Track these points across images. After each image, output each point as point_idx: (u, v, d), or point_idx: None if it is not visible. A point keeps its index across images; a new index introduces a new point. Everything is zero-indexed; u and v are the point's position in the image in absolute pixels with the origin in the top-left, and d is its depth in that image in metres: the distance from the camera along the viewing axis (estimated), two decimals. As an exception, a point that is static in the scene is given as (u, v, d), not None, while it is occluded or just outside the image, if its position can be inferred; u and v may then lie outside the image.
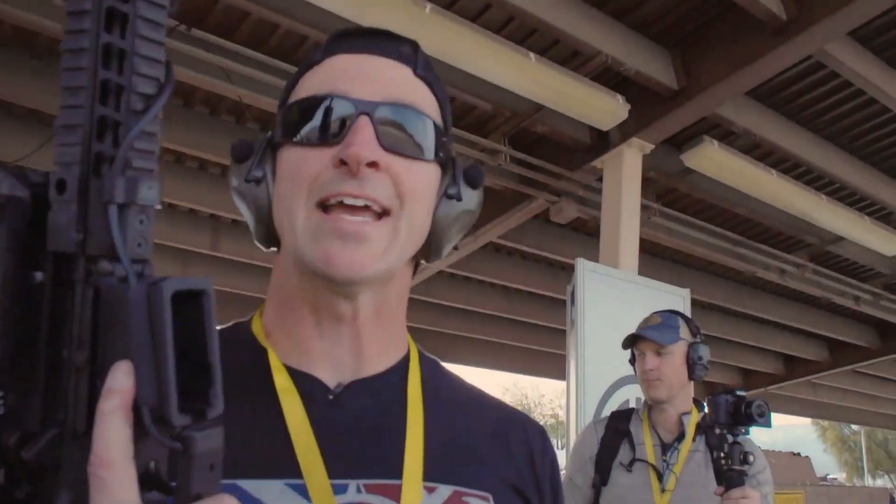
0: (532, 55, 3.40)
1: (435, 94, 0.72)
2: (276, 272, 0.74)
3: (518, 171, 4.37)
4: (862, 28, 3.54)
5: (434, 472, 0.67)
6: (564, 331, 7.34)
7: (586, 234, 5.70)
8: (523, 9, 3.26)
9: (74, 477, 0.38)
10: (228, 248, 5.65)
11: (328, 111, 0.65)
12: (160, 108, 0.41)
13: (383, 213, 0.64)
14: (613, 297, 3.86)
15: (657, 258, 6.14)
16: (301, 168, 0.65)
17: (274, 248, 0.73)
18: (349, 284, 0.65)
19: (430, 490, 0.67)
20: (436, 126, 0.70)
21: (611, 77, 3.82)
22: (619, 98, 3.79)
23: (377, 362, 0.72)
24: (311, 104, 0.66)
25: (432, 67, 0.74)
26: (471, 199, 0.73)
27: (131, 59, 0.40)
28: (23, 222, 0.40)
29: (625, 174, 4.08)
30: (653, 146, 4.10)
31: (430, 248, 0.72)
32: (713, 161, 4.32)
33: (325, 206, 0.64)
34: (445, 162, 0.71)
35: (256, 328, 0.73)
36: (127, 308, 0.38)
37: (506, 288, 6.93)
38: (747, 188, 4.64)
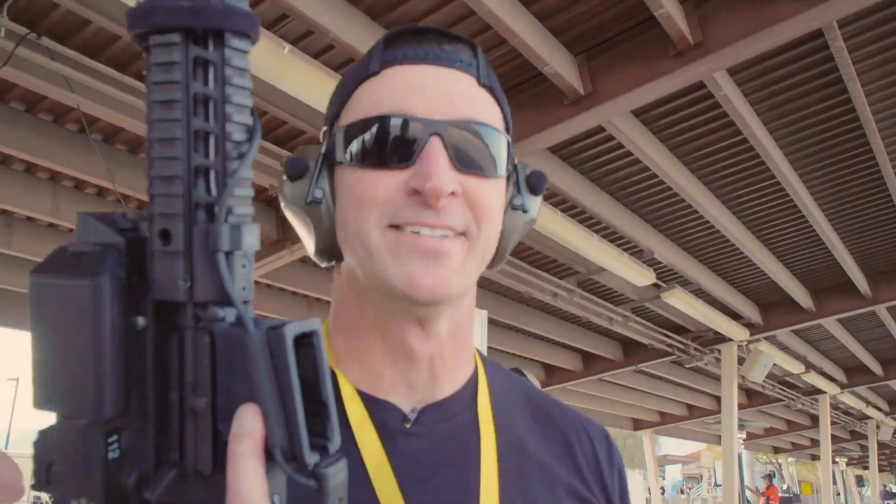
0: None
1: (497, 100, 0.68)
2: (338, 293, 0.70)
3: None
4: (640, 108, 4.33)
5: (509, 494, 0.65)
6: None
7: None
8: (361, 52, 3.59)
9: None
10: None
11: (396, 132, 0.61)
12: (254, 154, 0.41)
13: (460, 234, 0.63)
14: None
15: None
16: (368, 192, 0.61)
17: (332, 263, 0.70)
18: (432, 305, 0.62)
19: None
20: (505, 139, 0.67)
21: (435, 122, 4.27)
22: (441, 141, 4.24)
23: (450, 383, 0.69)
24: (376, 124, 0.62)
25: (492, 69, 0.69)
26: (534, 206, 0.69)
27: (224, 107, 0.39)
28: (122, 271, 0.39)
29: (439, 207, 4.55)
30: (464, 184, 4.62)
31: (496, 258, 0.69)
32: (512, 200, 4.94)
33: (396, 226, 0.61)
34: (510, 171, 0.68)
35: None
36: (248, 353, 0.38)
37: (307, 297, 7.13)
38: (536, 225, 5.32)
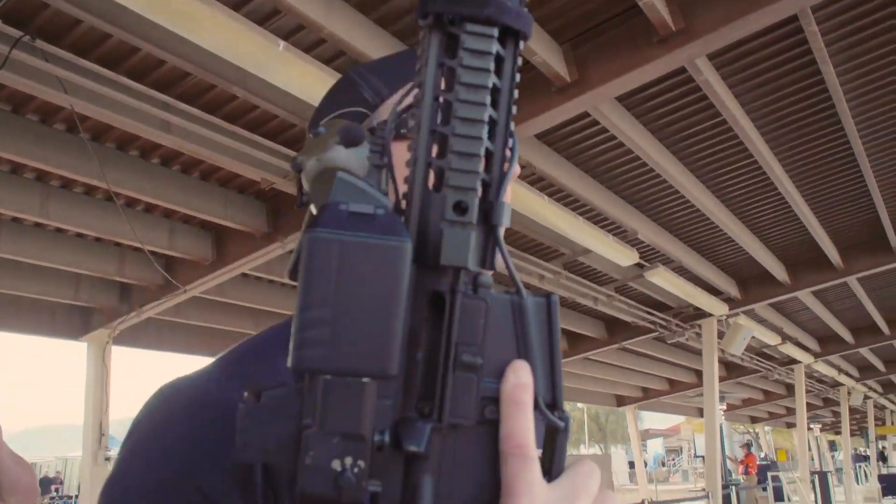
0: (366, 93, 3.81)
1: None
2: None
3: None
4: (623, 94, 4.44)
5: None
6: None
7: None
8: (353, 46, 3.67)
9: (438, 465, 0.42)
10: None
11: None
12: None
13: None
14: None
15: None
16: None
17: None
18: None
19: None
20: None
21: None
22: (432, 131, 4.33)
23: None
24: None
25: None
26: None
27: (509, 100, 0.43)
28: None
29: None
30: (454, 173, 4.71)
31: None
32: (500, 187, 5.03)
33: None
34: None
35: None
36: (524, 317, 0.44)
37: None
38: (523, 209, 5.43)
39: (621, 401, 15.61)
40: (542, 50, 3.89)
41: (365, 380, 0.38)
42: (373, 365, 0.38)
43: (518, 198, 5.17)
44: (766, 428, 33.61)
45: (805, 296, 9.47)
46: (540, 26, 3.92)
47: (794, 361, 13.50)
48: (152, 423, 0.59)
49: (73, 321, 6.73)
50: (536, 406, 0.43)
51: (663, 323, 9.06)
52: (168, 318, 6.99)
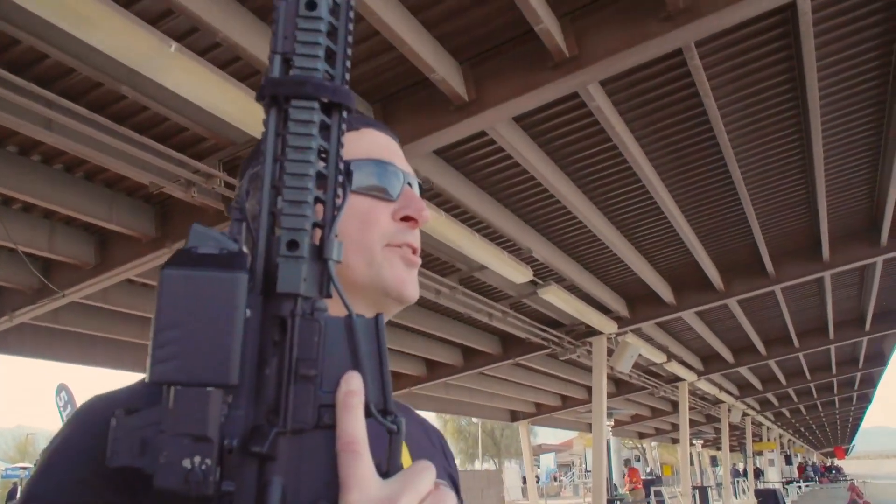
0: (262, 99, 3.74)
1: None
2: None
3: (226, 193, 4.62)
4: (520, 115, 4.55)
5: None
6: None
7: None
8: (250, 52, 3.61)
9: (286, 465, 0.46)
10: None
11: (394, 176, 0.78)
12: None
13: None
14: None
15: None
16: (373, 215, 0.75)
17: None
18: (408, 304, 0.78)
19: None
20: None
21: (323, 122, 4.32)
22: (329, 142, 4.29)
23: None
24: (375, 167, 0.78)
25: None
26: None
27: (337, 159, 0.51)
28: (247, 270, 0.47)
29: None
30: (351, 184, 4.68)
31: None
32: (398, 200, 5.05)
33: (388, 245, 0.76)
34: None
35: None
36: (355, 334, 0.49)
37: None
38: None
39: (515, 416, 15.85)
40: (442, 67, 3.93)
41: (209, 389, 0.44)
42: (214, 375, 0.44)
43: (415, 212, 5.18)
44: (653, 443, 34.93)
45: (689, 316, 9.94)
46: (440, 45, 3.97)
47: (678, 379, 14.12)
48: (69, 429, 0.64)
49: (-64, 325, 6.24)
50: (369, 413, 0.48)
51: (556, 340, 9.28)
52: (45, 324, 6.59)
